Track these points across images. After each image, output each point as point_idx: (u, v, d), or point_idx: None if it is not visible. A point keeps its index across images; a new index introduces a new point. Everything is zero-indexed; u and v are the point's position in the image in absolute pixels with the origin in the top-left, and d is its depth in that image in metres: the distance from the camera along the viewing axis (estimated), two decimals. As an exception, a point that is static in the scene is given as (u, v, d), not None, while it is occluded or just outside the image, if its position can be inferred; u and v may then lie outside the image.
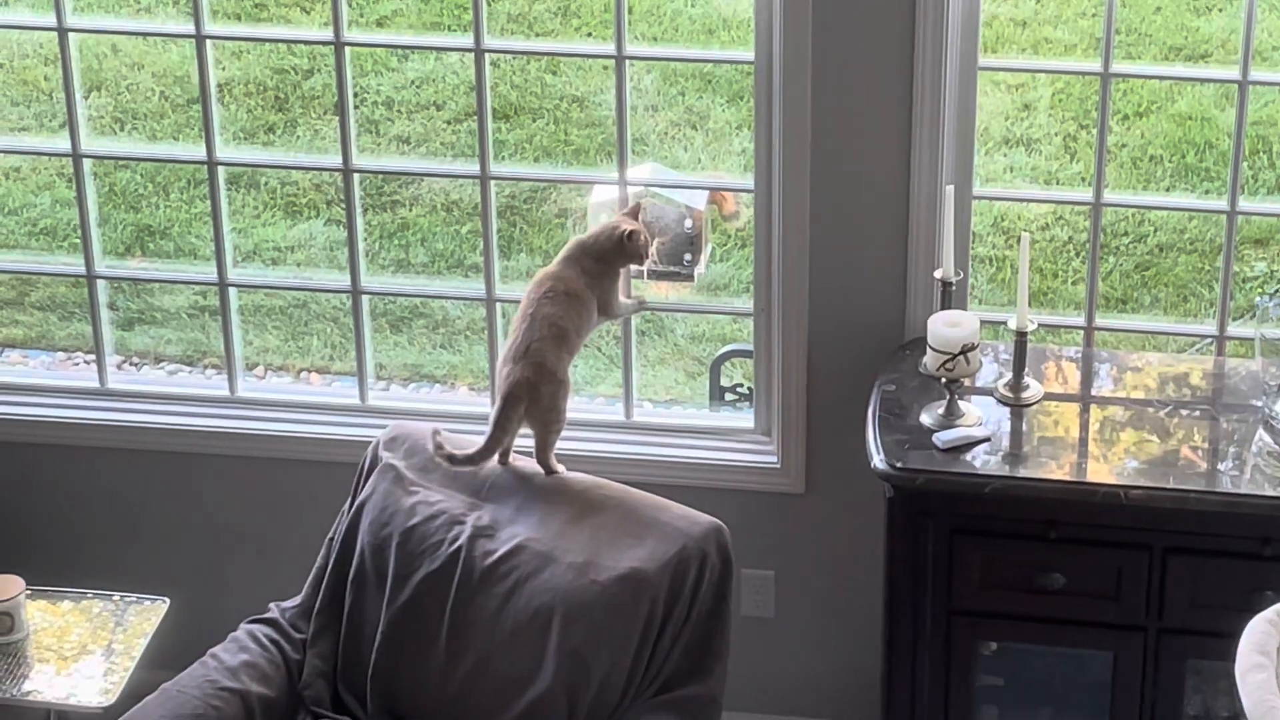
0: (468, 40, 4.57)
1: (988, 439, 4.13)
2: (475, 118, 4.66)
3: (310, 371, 6.74)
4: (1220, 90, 7.45)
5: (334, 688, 4.13)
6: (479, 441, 4.13)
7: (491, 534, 4.07)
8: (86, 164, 4.82)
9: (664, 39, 7.69)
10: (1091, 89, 7.37)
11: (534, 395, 4.09)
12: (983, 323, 4.29)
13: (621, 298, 4.29)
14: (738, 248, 7.09)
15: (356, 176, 4.72)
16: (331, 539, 4.23)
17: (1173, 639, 4.07)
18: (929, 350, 4.19)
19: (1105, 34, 4.35)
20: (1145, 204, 7.04)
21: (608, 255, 4.20)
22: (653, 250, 4.25)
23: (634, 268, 4.31)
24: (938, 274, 4.31)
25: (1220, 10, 7.74)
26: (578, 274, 4.17)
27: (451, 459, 4.11)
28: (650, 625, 3.92)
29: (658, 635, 3.94)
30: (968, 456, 4.09)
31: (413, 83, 7.73)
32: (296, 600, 4.23)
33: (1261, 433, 4.15)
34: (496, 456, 4.15)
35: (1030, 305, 4.25)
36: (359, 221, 4.74)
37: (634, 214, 4.27)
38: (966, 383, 4.23)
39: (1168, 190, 7.22)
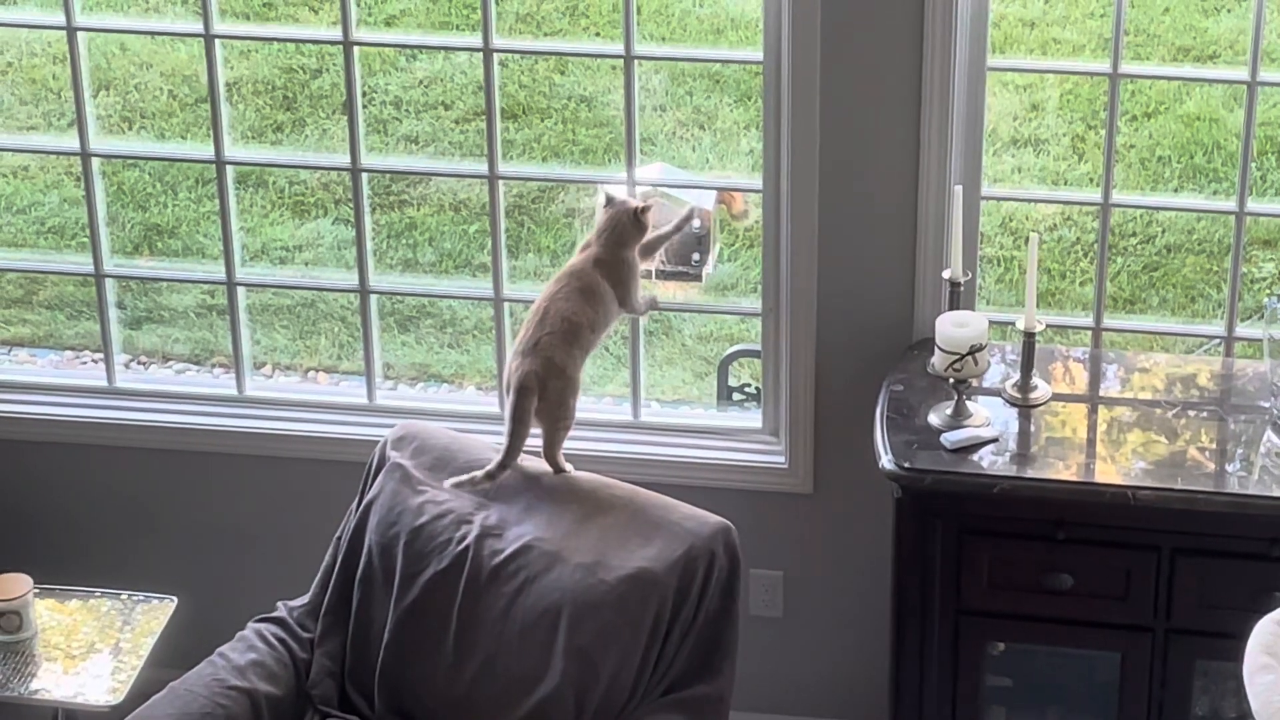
0: (476, 40, 4.57)
1: (995, 439, 4.13)
2: (483, 117, 4.66)
3: (318, 371, 6.74)
4: (1229, 91, 7.44)
5: (341, 687, 4.13)
6: (495, 454, 4.13)
7: (499, 533, 4.07)
8: (95, 163, 4.82)
9: (672, 39, 7.69)
10: (1100, 89, 7.37)
11: (542, 390, 4.09)
12: (991, 323, 4.29)
13: (638, 294, 4.29)
14: (745, 248, 7.09)
15: (365, 176, 4.72)
16: (339, 538, 4.23)
17: (1180, 640, 4.07)
18: (937, 351, 4.19)
19: (1114, 35, 4.35)
20: (1153, 205, 7.04)
21: (624, 238, 4.20)
22: (660, 232, 4.26)
23: (643, 267, 4.30)
24: (946, 274, 4.31)
25: (1229, 11, 7.73)
26: (594, 268, 4.17)
27: (490, 476, 4.10)
28: (658, 625, 3.92)
29: (665, 635, 3.94)
30: (975, 457, 4.08)
31: (421, 82, 7.73)
32: (304, 599, 4.23)
33: (1270, 434, 4.14)
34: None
35: (1038, 306, 4.25)
36: (367, 221, 4.74)
37: (608, 200, 4.27)
38: (974, 383, 4.23)
39: (1176, 191, 7.22)
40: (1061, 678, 4.36)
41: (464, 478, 4.11)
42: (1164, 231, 7.15)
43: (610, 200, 4.26)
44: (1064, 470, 4.05)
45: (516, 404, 4.08)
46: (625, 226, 4.21)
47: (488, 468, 4.10)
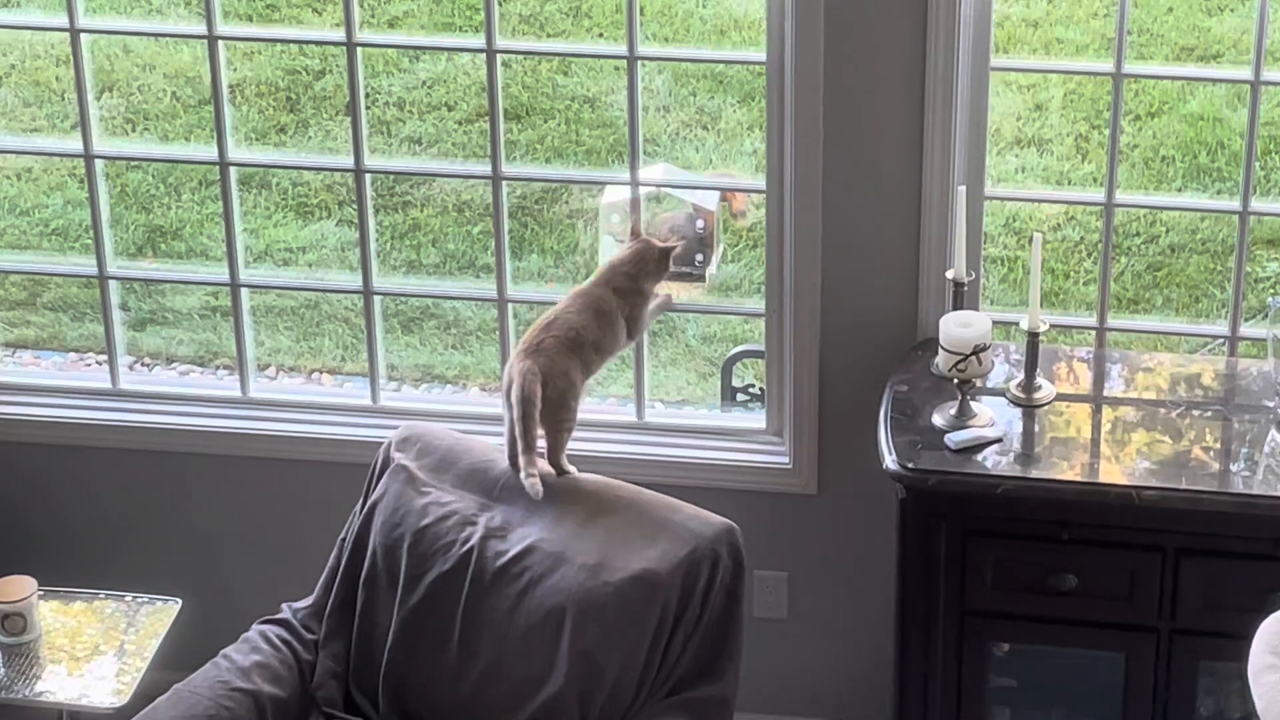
0: (479, 41, 4.57)
1: (999, 440, 4.13)
2: (487, 118, 4.66)
3: (322, 372, 6.74)
4: (1232, 90, 7.44)
5: (346, 688, 4.13)
6: (499, 454, 4.14)
7: (503, 535, 4.07)
8: (98, 165, 4.82)
9: (675, 39, 7.69)
10: (1103, 89, 7.37)
11: (543, 388, 4.09)
12: (995, 323, 4.29)
13: (645, 324, 4.32)
14: (749, 248, 7.09)
15: (368, 177, 4.72)
16: (343, 540, 4.23)
17: (1185, 640, 4.07)
18: (941, 351, 4.19)
19: (1117, 34, 4.34)
20: (1157, 204, 7.04)
21: (646, 273, 4.22)
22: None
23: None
24: (950, 274, 4.31)
25: (1232, 10, 7.73)
26: (611, 293, 4.19)
27: (550, 471, 4.11)
28: (662, 626, 3.92)
29: (670, 636, 3.94)
30: (979, 457, 4.08)
31: (424, 83, 7.73)
32: (308, 601, 4.23)
33: (1274, 433, 4.14)
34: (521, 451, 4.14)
35: (1042, 306, 4.25)
36: (370, 222, 4.75)
37: (635, 232, 4.29)
38: (978, 383, 4.23)
39: (1179, 191, 7.22)
40: (1066, 678, 4.35)
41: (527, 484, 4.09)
42: (1168, 231, 7.15)
43: (637, 234, 4.28)
44: (1068, 470, 4.04)
45: (523, 397, 4.07)
46: (650, 264, 4.23)
47: (540, 465, 4.08)
